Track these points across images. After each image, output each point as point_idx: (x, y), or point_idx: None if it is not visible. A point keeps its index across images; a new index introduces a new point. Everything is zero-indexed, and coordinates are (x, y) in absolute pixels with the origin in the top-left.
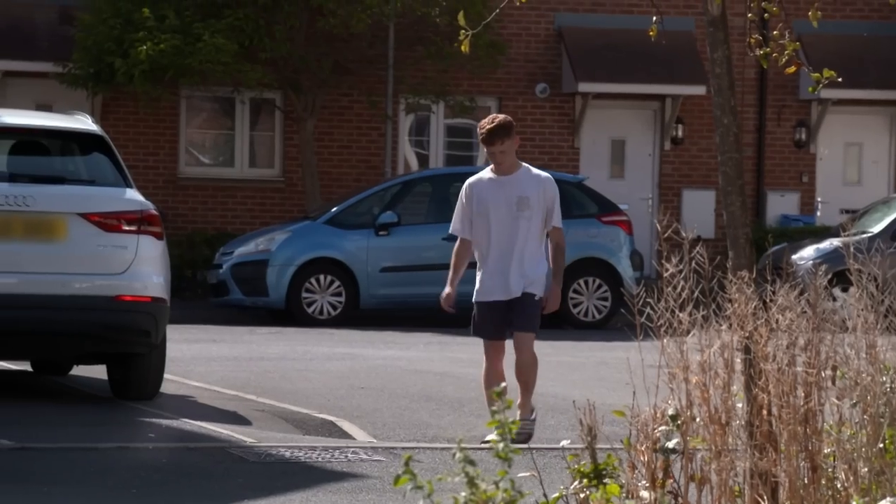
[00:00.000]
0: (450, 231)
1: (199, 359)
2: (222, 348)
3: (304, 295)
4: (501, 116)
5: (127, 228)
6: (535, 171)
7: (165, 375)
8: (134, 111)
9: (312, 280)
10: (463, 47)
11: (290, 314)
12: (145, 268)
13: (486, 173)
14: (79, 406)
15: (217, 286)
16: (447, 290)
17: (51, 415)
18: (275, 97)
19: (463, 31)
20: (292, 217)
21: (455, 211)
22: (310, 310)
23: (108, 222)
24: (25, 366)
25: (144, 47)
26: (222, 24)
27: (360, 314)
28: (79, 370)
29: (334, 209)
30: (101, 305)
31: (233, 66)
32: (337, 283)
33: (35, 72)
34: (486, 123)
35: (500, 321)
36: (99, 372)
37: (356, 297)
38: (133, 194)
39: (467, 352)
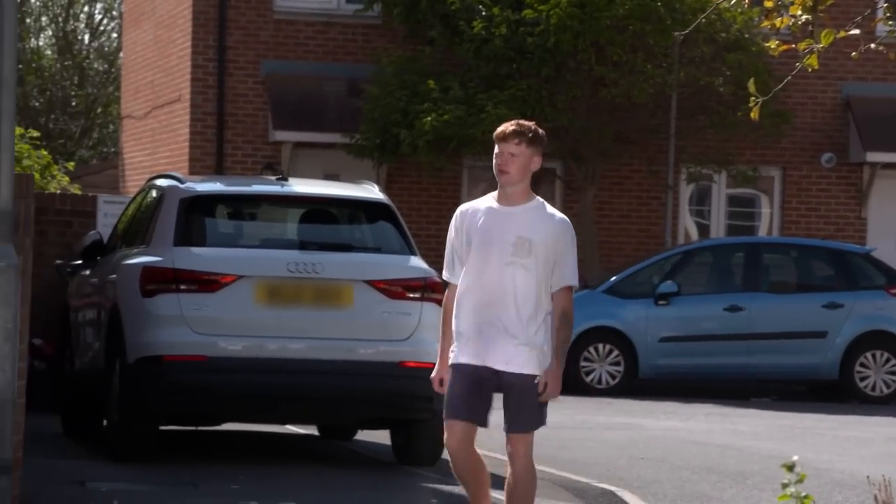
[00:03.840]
0: (443, 276)
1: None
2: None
3: (583, 364)
4: (533, 124)
5: (411, 296)
6: (551, 209)
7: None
8: (417, 180)
9: (591, 349)
10: (752, 114)
11: (569, 382)
12: (428, 334)
13: (486, 200)
14: (363, 470)
15: None
16: (437, 366)
17: (336, 479)
18: (555, 166)
19: (753, 98)
20: None
21: (446, 249)
22: (588, 378)
23: (393, 289)
24: (312, 430)
25: (429, 118)
26: (505, 94)
27: (638, 384)
28: (362, 435)
29: (613, 278)
30: (386, 371)
31: None
32: (615, 353)
33: (324, 143)
34: (513, 122)
35: (477, 394)
36: (382, 437)
37: (635, 366)
38: (417, 262)
39: (749, 424)
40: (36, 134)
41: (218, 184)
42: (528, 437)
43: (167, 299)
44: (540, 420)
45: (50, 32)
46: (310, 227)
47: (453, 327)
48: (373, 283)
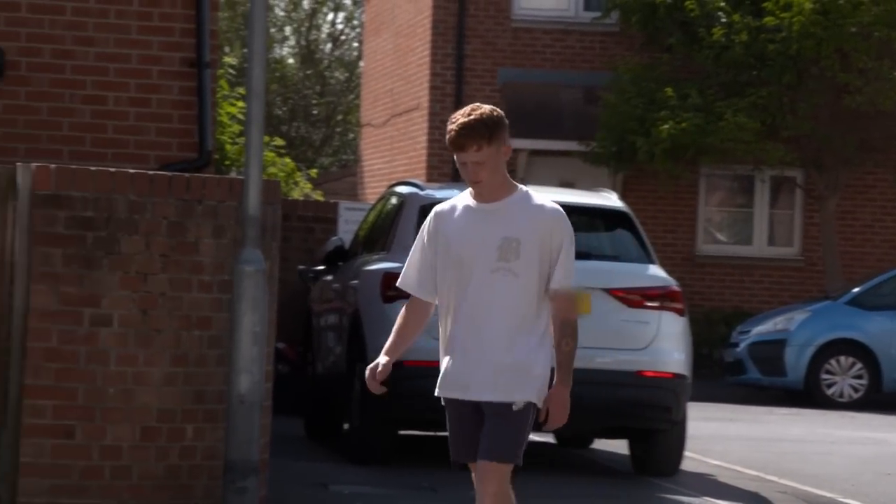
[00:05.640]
0: (398, 283)
1: (716, 437)
2: (740, 427)
3: (824, 376)
4: (486, 108)
5: (650, 304)
6: (539, 199)
7: (685, 452)
8: (654, 189)
9: (832, 361)
10: None
11: (809, 395)
12: (667, 344)
13: (463, 198)
14: (600, 479)
15: (733, 365)
16: (377, 360)
17: (573, 487)
18: (795, 175)
19: None
20: (811, 297)
21: (410, 255)
22: (829, 391)
23: (631, 298)
24: (549, 437)
25: (666, 126)
26: (745, 102)
27: (882, 398)
28: (599, 444)
29: (856, 290)
30: (623, 380)
31: (754, 145)
32: (858, 366)
33: (560, 150)
34: (459, 116)
35: (469, 433)
36: (618, 446)
37: (878, 379)
38: (656, 270)
39: None
40: (281, 142)
41: (457, 191)
42: (500, 469)
43: None
44: (514, 451)
45: (293, 42)
46: None
47: (440, 347)
48: (611, 292)
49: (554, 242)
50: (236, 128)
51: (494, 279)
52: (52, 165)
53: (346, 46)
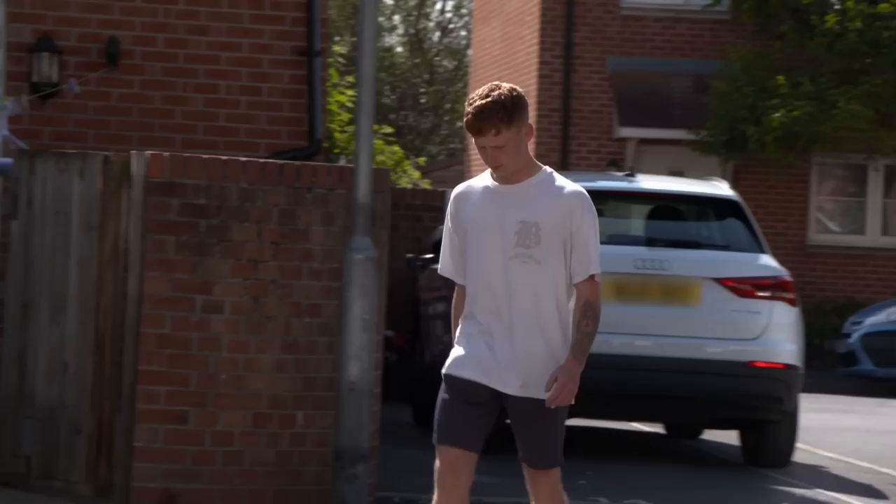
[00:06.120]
0: (439, 271)
1: (829, 429)
2: (853, 419)
3: None
4: (505, 87)
5: (760, 294)
6: (562, 180)
7: (797, 444)
8: (765, 178)
9: None
10: None
11: None
12: (778, 334)
13: (483, 178)
14: (710, 470)
15: (846, 356)
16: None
17: (683, 477)
18: None
19: None
20: None
21: (442, 241)
22: None
23: (742, 287)
24: (658, 428)
25: (778, 114)
26: (858, 90)
27: None
28: (709, 434)
29: None
30: (734, 371)
31: (867, 133)
32: None
33: (669, 139)
34: (476, 97)
35: (473, 417)
36: (729, 437)
37: None
38: (767, 260)
39: None
40: (389, 130)
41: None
42: (551, 474)
43: None
44: (559, 453)
45: (402, 31)
46: (657, 223)
47: (460, 330)
48: (721, 281)
49: (575, 226)
50: (345, 116)
51: (514, 266)
52: (166, 153)
53: (454, 35)
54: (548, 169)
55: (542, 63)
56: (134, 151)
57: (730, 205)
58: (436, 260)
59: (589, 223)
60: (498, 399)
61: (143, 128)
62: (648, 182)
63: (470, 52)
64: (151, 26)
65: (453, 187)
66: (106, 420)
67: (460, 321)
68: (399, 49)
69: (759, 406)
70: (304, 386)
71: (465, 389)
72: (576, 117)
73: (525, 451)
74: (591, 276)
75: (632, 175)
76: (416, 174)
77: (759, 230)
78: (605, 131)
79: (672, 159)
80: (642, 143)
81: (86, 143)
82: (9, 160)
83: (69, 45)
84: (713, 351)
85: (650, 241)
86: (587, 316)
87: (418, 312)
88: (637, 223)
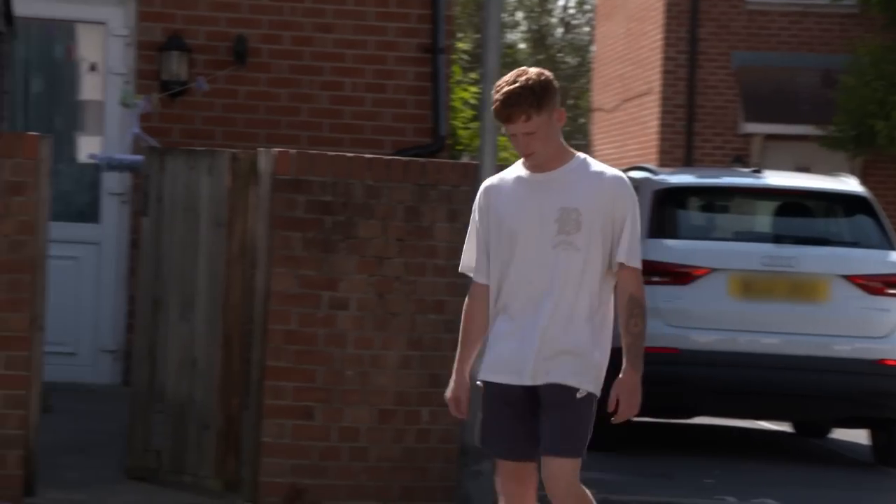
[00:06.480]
0: (460, 269)
1: None
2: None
3: None
4: (533, 72)
5: (890, 291)
6: (599, 165)
7: None
8: (894, 174)
9: None
10: None
11: None
12: None
13: (514, 170)
14: (839, 469)
15: None
16: (451, 386)
17: (811, 476)
18: None
19: None
20: None
21: (467, 236)
22: None
23: (872, 285)
24: (786, 427)
25: None
26: None
27: None
28: (839, 433)
29: None
30: (864, 369)
31: None
32: None
33: (795, 135)
34: (503, 84)
35: (520, 423)
36: (858, 436)
37: None
38: None
39: None
40: None
41: (690, 176)
42: (567, 462)
43: None
44: (581, 445)
45: (524, 27)
46: (785, 220)
47: (491, 333)
48: (850, 278)
49: (617, 213)
50: (469, 113)
51: (555, 254)
52: (293, 151)
53: (577, 31)
54: (581, 155)
55: (667, 59)
56: (261, 149)
57: (859, 201)
58: None
59: (630, 210)
60: (535, 392)
61: (269, 125)
62: (776, 178)
63: (593, 48)
64: (278, 24)
65: None
66: (234, 415)
67: (491, 319)
68: (522, 45)
69: (887, 404)
70: (429, 382)
71: (500, 395)
72: (700, 113)
73: (548, 437)
74: (633, 268)
75: (758, 171)
76: None
77: (889, 227)
78: (730, 127)
79: (799, 155)
80: (768, 138)
81: (213, 141)
82: (140, 157)
83: (198, 44)
84: (841, 349)
85: (778, 238)
86: (635, 314)
87: None
88: (764, 220)
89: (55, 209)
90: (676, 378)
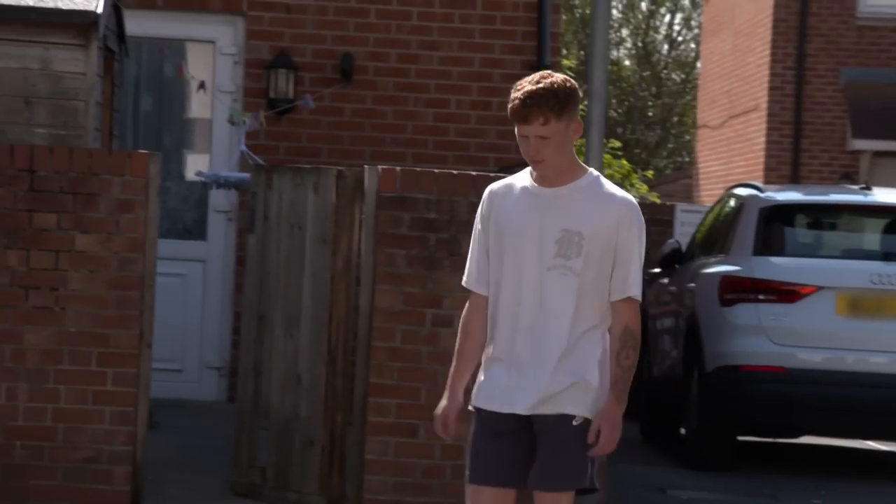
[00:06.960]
0: (463, 282)
1: None
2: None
3: None
4: (559, 76)
5: None
6: (610, 186)
7: None
8: None
9: None
10: None
11: None
12: None
13: (522, 179)
14: None
15: None
16: (443, 403)
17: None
18: None
19: None
20: None
21: (471, 243)
22: None
23: None
24: (868, 444)
25: None
26: None
27: None
28: None
29: None
30: None
31: None
32: None
33: None
34: (526, 83)
35: (502, 449)
36: None
37: None
38: None
39: None
40: (617, 144)
41: (797, 193)
42: (560, 499)
43: (746, 309)
44: (578, 477)
45: (629, 44)
46: (894, 237)
47: (485, 354)
48: None
49: (620, 239)
50: None
51: (551, 277)
52: (398, 168)
53: (683, 47)
54: (594, 172)
55: (774, 75)
56: (367, 166)
57: None
58: (664, 274)
59: (635, 238)
60: (528, 422)
61: (374, 143)
62: (884, 195)
63: (699, 64)
64: (384, 42)
65: (681, 201)
66: (338, 432)
67: (487, 335)
68: (627, 62)
69: None
70: None
71: (490, 421)
72: (807, 129)
73: (540, 470)
74: (631, 298)
75: (867, 188)
76: (644, 188)
77: None
78: (838, 144)
79: None
80: (877, 155)
81: (319, 158)
82: (246, 175)
83: (305, 62)
84: None
85: (887, 256)
86: (627, 346)
87: (645, 327)
88: (873, 237)
89: (162, 226)
90: (782, 397)
